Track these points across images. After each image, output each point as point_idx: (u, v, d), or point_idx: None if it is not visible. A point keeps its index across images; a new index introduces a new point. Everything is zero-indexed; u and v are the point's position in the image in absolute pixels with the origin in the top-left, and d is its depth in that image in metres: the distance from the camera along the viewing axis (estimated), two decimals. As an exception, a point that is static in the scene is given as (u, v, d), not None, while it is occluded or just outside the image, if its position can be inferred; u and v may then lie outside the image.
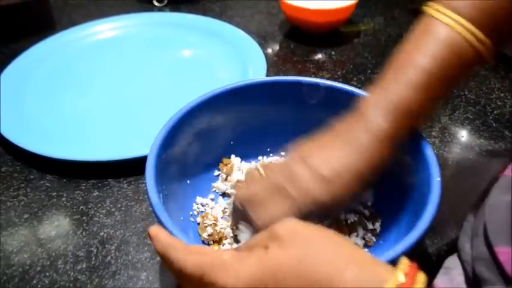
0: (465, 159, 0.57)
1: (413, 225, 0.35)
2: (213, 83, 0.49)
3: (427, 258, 0.45)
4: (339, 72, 0.72)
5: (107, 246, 0.46)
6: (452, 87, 0.41)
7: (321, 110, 0.47)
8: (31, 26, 0.86)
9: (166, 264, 0.30)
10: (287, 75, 0.60)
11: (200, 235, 0.45)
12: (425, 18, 0.40)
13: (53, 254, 0.46)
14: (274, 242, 0.27)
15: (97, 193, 0.52)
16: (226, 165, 0.51)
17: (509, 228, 0.32)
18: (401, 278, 0.24)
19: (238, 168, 0.50)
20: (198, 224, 0.46)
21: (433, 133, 0.60)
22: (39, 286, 0.43)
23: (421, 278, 0.25)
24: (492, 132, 0.60)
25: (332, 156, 0.37)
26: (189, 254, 0.29)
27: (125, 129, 0.61)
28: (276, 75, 0.71)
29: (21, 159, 0.57)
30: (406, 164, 0.44)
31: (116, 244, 0.46)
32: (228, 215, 0.46)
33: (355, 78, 0.70)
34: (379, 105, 0.38)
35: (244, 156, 0.52)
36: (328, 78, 0.67)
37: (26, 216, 0.50)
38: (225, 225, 0.45)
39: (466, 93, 0.67)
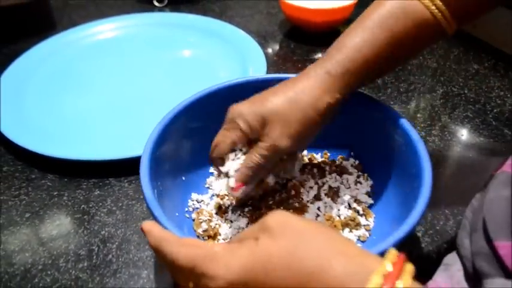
0: (465, 157, 0.57)
1: (405, 219, 0.35)
2: (213, 82, 0.49)
3: (427, 256, 0.45)
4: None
5: (108, 244, 0.46)
6: (406, 50, 0.43)
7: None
8: (32, 26, 0.86)
9: (160, 257, 0.30)
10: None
11: (195, 231, 0.45)
12: None
13: (55, 252, 0.46)
14: (264, 234, 0.28)
15: (98, 192, 0.52)
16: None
17: (508, 223, 0.33)
18: (388, 267, 0.25)
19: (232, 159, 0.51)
20: (193, 220, 0.46)
21: (433, 131, 0.60)
22: (40, 285, 0.43)
23: (409, 267, 0.25)
24: (492, 130, 0.60)
25: (265, 92, 0.42)
26: (181, 247, 0.29)
27: (126, 129, 0.61)
28: (276, 74, 0.71)
29: (23, 158, 0.57)
30: (399, 160, 0.44)
31: (117, 243, 0.47)
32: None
33: (355, 78, 0.70)
34: (324, 64, 0.41)
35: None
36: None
37: (27, 215, 0.50)
38: (219, 222, 0.45)
39: (466, 91, 0.68)
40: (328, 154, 0.53)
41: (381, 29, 0.41)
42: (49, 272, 0.44)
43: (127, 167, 0.53)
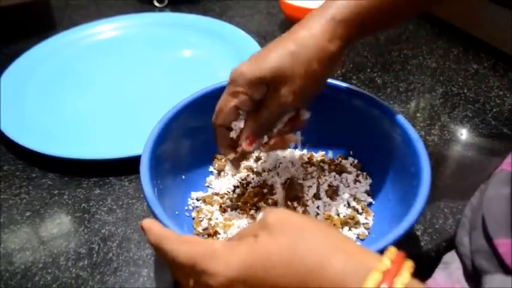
0: (464, 157, 0.57)
1: (404, 217, 0.36)
2: (213, 82, 0.50)
3: (426, 255, 0.46)
4: (339, 71, 0.72)
5: (108, 243, 0.47)
6: (398, 9, 0.42)
7: (318, 108, 0.47)
8: (32, 26, 0.87)
9: (160, 255, 0.30)
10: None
11: (195, 229, 0.45)
12: None
13: (55, 251, 0.46)
14: (264, 231, 0.28)
15: (98, 191, 0.53)
16: (219, 160, 0.52)
17: (508, 221, 0.33)
18: (387, 264, 0.25)
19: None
20: (193, 218, 0.47)
21: (433, 131, 0.60)
22: (41, 283, 0.43)
23: (409, 264, 0.25)
24: (491, 130, 0.61)
25: (266, 48, 0.41)
26: (181, 244, 0.29)
27: (126, 128, 0.61)
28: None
29: (23, 157, 0.57)
30: (398, 159, 0.44)
31: (117, 241, 0.47)
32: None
33: (354, 77, 0.71)
34: (326, 10, 0.40)
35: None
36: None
37: (28, 214, 0.50)
38: (219, 220, 0.46)
39: (465, 91, 0.68)
40: (328, 153, 0.54)
41: None
42: (49, 271, 0.44)
43: (127, 166, 0.53)
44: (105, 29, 0.83)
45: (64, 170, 0.55)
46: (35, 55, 0.75)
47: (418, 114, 0.64)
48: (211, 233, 0.45)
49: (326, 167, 0.51)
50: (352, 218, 0.45)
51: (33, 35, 0.81)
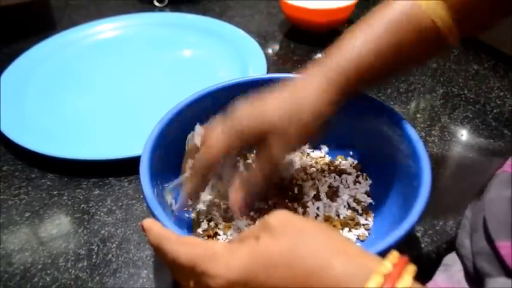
0: (465, 157, 0.57)
1: (404, 219, 0.35)
2: (213, 82, 0.49)
3: (426, 256, 0.45)
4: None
5: (107, 244, 0.46)
6: (408, 60, 0.42)
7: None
8: (32, 26, 0.86)
9: (160, 256, 0.30)
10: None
11: (194, 230, 0.45)
12: None
13: (54, 252, 0.46)
14: (265, 233, 0.28)
15: (98, 192, 0.52)
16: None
17: (509, 223, 0.33)
18: (389, 267, 0.25)
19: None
20: (193, 219, 0.46)
21: (433, 132, 0.60)
22: (40, 284, 0.43)
23: (411, 268, 0.25)
24: (491, 131, 0.60)
25: (265, 97, 0.41)
26: (181, 245, 0.29)
27: (125, 128, 0.61)
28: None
29: (23, 158, 0.57)
30: (399, 160, 0.44)
31: (116, 242, 0.47)
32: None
33: (355, 78, 0.71)
34: (326, 70, 0.40)
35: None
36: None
37: (27, 214, 0.50)
38: (219, 221, 0.46)
39: (466, 92, 0.68)
40: (327, 154, 0.53)
41: (386, 35, 0.40)
42: (49, 272, 0.44)
43: (127, 167, 0.53)
44: (105, 29, 0.83)
45: (63, 170, 0.55)
46: (34, 55, 0.75)
47: (418, 115, 0.64)
48: (211, 234, 0.44)
49: (326, 168, 0.51)
50: (352, 219, 0.45)
51: (32, 35, 0.81)
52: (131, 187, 0.53)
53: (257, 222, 0.32)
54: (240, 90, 0.49)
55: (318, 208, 0.46)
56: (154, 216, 0.36)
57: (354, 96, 0.43)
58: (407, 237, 0.34)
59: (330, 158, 0.53)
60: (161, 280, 0.43)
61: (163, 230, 0.31)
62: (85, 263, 0.45)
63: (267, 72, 0.69)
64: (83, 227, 0.48)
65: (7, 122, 0.60)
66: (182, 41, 0.81)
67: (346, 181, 0.49)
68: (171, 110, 0.46)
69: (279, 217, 0.28)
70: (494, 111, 0.64)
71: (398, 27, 0.40)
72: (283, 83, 0.42)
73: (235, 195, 0.40)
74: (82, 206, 0.51)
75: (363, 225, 0.45)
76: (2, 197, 0.52)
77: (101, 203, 0.51)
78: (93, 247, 0.46)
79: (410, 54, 0.41)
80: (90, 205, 0.51)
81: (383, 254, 0.27)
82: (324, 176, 0.50)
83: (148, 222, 0.32)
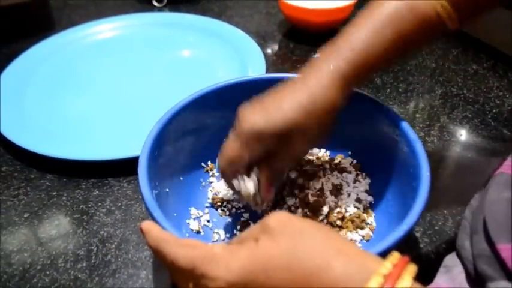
0: (464, 157, 0.57)
1: (403, 218, 0.35)
2: (212, 82, 0.49)
3: (426, 257, 0.45)
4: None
5: (107, 245, 0.46)
6: (410, 46, 0.43)
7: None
8: (31, 26, 0.86)
9: (159, 258, 0.30)
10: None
11: (193, 231, 0.45)
12: None
13: (53, 252, 0.46)
14: (264, 235, 0.28)
15: (97, 192, 0.52)
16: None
17: (509, 225, 0.33)
18: (389, 268, 0.25)
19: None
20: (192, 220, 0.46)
21: (432, 132, 0.60)
22: (39, 285, 0.43)
23: (411, 268, 0.25)
24: (491, 130, 0.60)
25: (276, 95, 0.41)
26: (180, 247, 0.29)
27: (125, 129, 0.61)
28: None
29: (22, 158, 0.57)
30: (398, 160, 0.44)
31: (115, 243, 0.47)
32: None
33: (354, 78, 0.70)
34: (335, 62, 0.40)
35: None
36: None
37: (26, 215, 0.50)
38: (218, 222, 0.46)
39: (465, 92, 0.68)
40: (327, 153, 0.53)
41: (390, 25, 0.40)
42: (48, 272, 0.44)
43: (126, 167, 0.53)
44: (104, 29, 0.83)
45: (62, 171, 0.55)
46: (33, 55, 0.75)
47: (417, 115, 0.64)
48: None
49: (327, 166, 0.51)
50: (358, 217, 0.45)
51: (31, 35, 0.81)
52: (130, 188, 0.53)
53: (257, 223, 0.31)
54: (239, 90, 0.49)
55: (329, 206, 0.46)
56: (152, 217, 0.36)
57: (354, 97, 0.43)
58: (406, 237, 0.34)
59: (329, 157, 0.53)
60: (160, 280, 0.43)
61: (162, 233, 0.31)
62: (84, 264, 0.45)
63: (266, 72, 0.69)
64: (82, 228, 0.48)
65: (6, 122, 0.60)
66: (181, 41, 0.81)
67: (347, 180, 0.49)
68: (170, 110, 0.46)
69: (278, 218, 0.28)
70: (494, 111, 0.64)
71: (401, 17, 0.40)
72: (286, 82, 0.42)
73: (266, 184, 0.41)
74: (81, 206, 0.51)
75: (367, 224, 0.45)
76: (1, 197, 0.52)
77: (100, 204, 0.51)
78: (92, 248, 0.46)
79: (413, 41, 0.42)
80: (89, 206, 0.51)
81: (383, 254, 0.27)
82: (326, 174, 0.50)
83: (146, 225, 0.31)
